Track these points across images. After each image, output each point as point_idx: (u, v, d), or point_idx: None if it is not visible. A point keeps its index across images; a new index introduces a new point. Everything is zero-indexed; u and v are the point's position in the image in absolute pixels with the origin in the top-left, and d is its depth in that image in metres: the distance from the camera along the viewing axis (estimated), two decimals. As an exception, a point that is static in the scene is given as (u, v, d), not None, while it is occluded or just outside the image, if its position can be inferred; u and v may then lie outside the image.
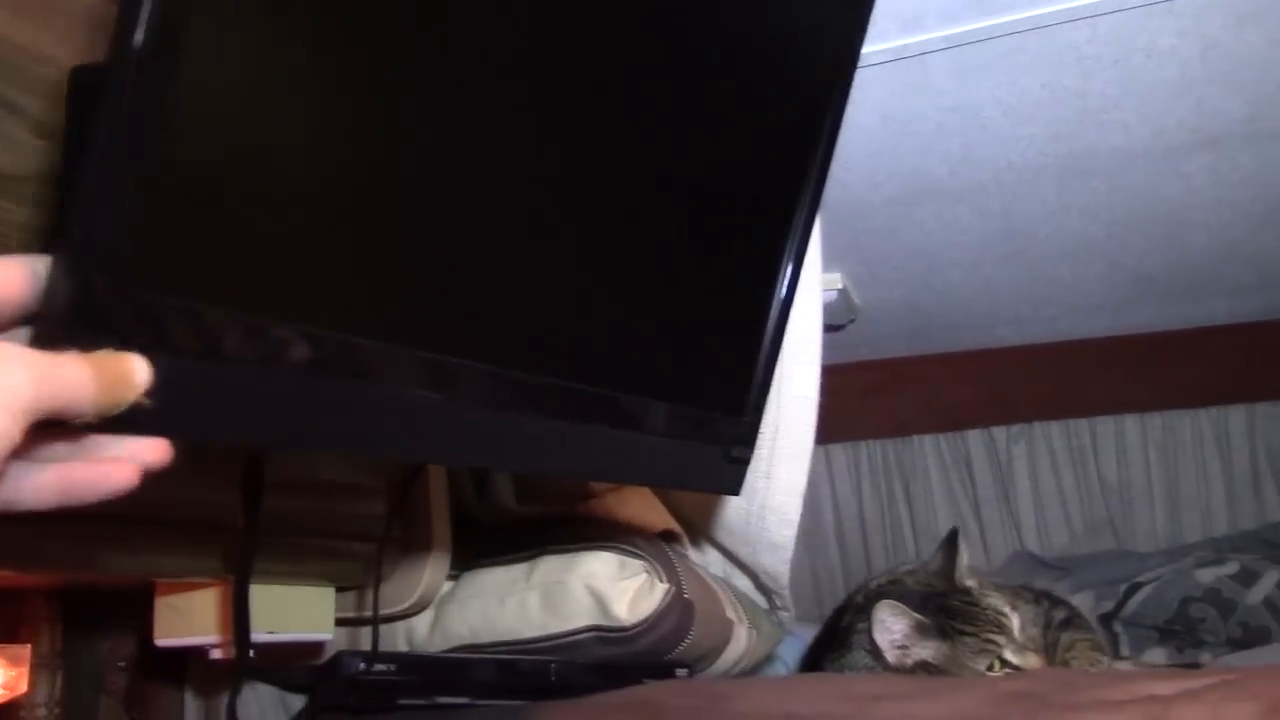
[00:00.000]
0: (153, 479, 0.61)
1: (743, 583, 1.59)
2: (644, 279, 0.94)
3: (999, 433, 2.74)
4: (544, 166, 0.82)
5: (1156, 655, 2.05)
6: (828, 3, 1.01)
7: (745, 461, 1.05)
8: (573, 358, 0.90)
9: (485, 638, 1.33)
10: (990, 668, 1.27)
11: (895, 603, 1.31)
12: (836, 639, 1.44)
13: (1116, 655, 2.05)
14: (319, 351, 0.65)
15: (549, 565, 1.31)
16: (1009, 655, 1.27)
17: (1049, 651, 1.36)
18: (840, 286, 2.17)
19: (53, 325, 0.52)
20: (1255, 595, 2.04)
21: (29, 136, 0.87)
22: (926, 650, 1.30)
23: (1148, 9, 1.39)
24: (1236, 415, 2.58)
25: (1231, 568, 2.10)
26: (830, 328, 2.39)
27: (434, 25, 0.71)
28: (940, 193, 1.87)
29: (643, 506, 1.45)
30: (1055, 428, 2.70)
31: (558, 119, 0.82)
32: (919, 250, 2.09)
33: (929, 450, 2.80)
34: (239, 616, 0.94)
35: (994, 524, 2.74)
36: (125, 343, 0.54)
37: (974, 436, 2.75)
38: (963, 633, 1.28)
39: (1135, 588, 2.16)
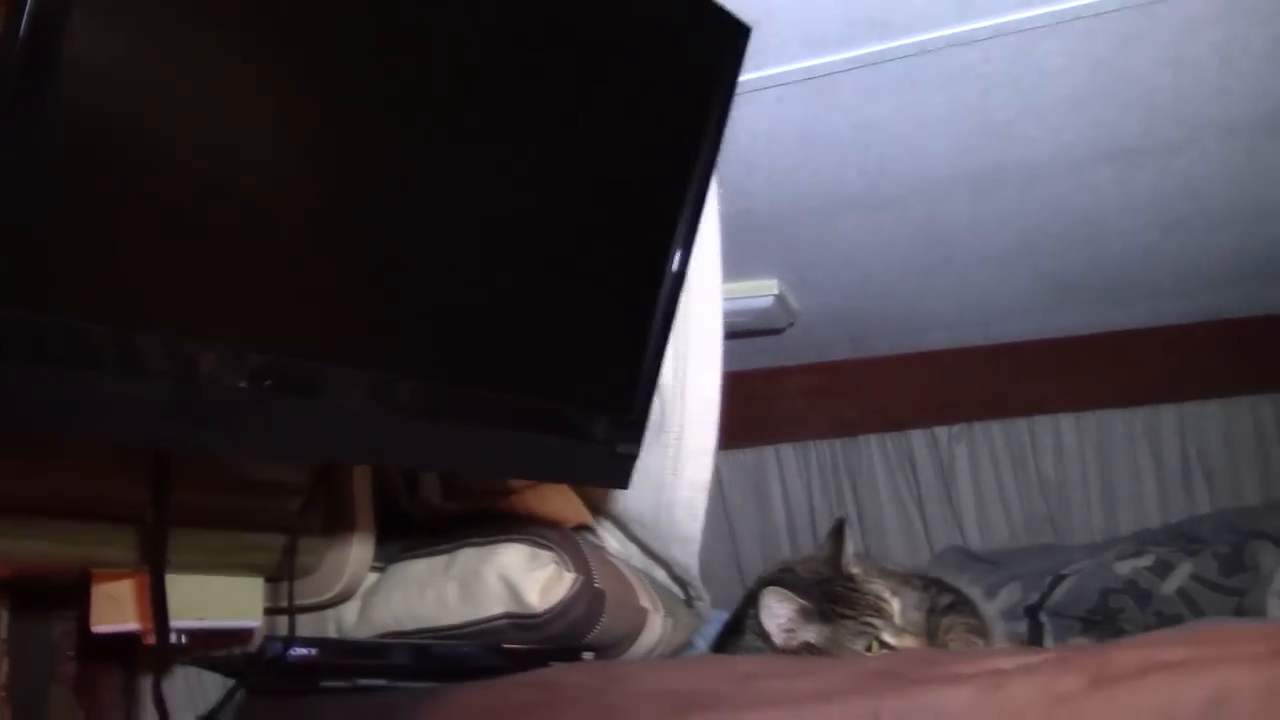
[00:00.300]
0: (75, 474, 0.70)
1: (662, 575, 1.68)
2: (533, 294, 1.03)
3: (941, 432, 2.83)
4: (428, 177, 0.91)
5: (1080, 644, 2.14)
6: (705, 35, 1.10)
7: (632, 457, 1.14)
8: (467, 365, 0.99)
9: (408, 625, 1.41)
10: (869, 648, 1.36)
11: (779, 589, 1.40)
12: (735, 624, 1.54)
13: (1039, 644, 2.14)
14: (190, 360, 0.74)
15: (467, 557, 1.40)
16: (887, 637, 1.36)
17: (930, 634, 1.45)
18: (776, 292, 2.26)
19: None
20: (1169, 586, 2.13)
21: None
22: (810, 633, 1.40)
23: (1034, 32, 1.47)
24: (1167, 414, 2.68)
25: (1148, 560, 2.19)
26: (770, 331, 2.49)
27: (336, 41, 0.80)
28: (861, 204, 1.95)
29: (560, 502, 1.55)
30: (995, 427, 2.80)
31: (443, 136, 0.91)
32: (848, 258, 2.19)
33: (875, 449, 2.90)
34: (156, 604, 1.02)
35: (937, 520, 2.84)
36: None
37: (917, 436, 2.85)
38: (844, 616, 1.38)
39: (1059, 580, 2.25)
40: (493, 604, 1.37)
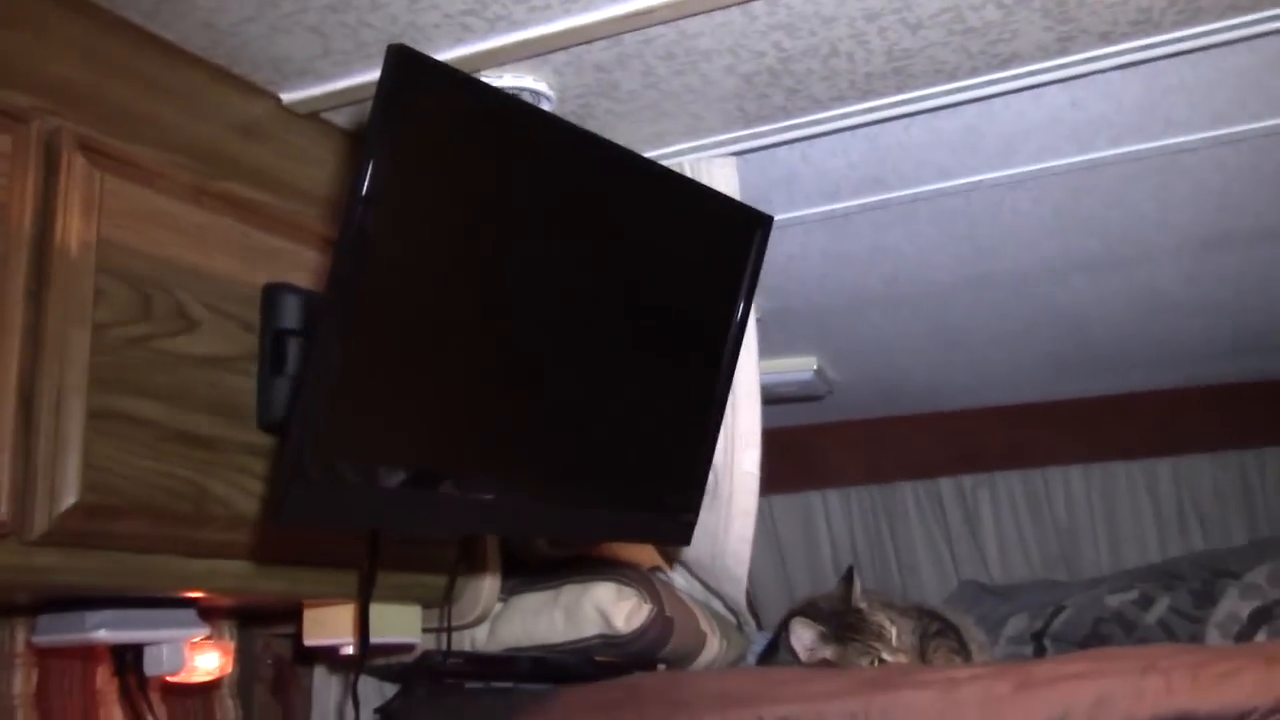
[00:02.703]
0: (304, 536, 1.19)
1: (718, 605, 2.13)
2: (623, 419, 1.49)
3: (966, 480, 3.26)
4: (553, 347, 1.37)
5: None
6: (747, 220, 1.56)
7: (691, 523, 1.59)
8: (578, 470, 1.44)
9: (525, 642, 1.88)
10: (871, 663, 1.81)
11: (804, 618, 1.86)
12: (773, 644, 1.99)
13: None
14: (419, 475, 1.22)
15: (569, 591, 1.87)
16: (885, 656, 1.81)
17: (921, 653, 1.88)
18: (815, 367, 2.71)
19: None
20: (1151, 616, 2.53)
21: (239, 330, 1.42)
22: (827, 651, 1.84)
23: (1000, 187, 1.90)
24: (1164, 467, 3.09)
25: (1133, 594, 2.59)
26: (813, 397, 2.94)
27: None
28: (881, 301, 2.40)
29: (638, 549, 2.01)
30: (1014, 476, 3.22)
31: (562, 312, 1.38)
32: (875, 341, 2.63)
33: (909, 495, 3.33)
34: (362, 625, 1.50)
35: (965, 557, 3.26)
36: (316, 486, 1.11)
37: (945, 484, 3.28)
38: (853, 640, 1.82)
39: (1059, 610, 2.66)
40: (589, 627, 1.84)
